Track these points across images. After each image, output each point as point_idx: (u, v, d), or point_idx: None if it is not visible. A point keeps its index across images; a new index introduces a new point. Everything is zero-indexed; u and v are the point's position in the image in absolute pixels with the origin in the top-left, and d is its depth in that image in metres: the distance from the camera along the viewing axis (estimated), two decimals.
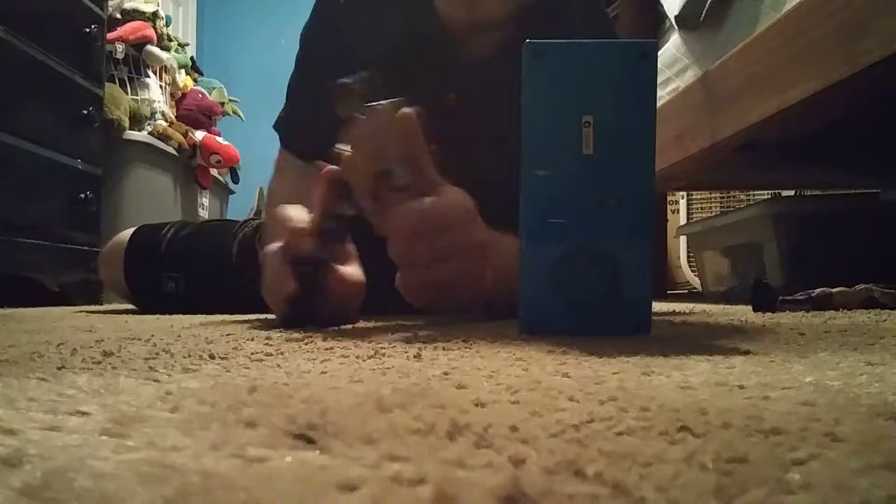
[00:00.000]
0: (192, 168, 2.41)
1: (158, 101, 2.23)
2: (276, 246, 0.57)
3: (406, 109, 0.52)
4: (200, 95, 2.53)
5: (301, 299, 0.55)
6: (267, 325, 0.58)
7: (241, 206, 2.90)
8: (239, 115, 2.77)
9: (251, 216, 1.90)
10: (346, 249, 0.61)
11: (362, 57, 0.77)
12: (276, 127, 0.88)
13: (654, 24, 1.61)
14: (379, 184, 0.53)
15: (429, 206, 0.51)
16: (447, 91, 0.76)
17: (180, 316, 0.87)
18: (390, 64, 0.59)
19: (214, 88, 2.68)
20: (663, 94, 1.39)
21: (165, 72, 2.32)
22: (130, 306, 1.14)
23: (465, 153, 0.55)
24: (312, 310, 0.56)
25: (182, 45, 2.58)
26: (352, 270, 0.59)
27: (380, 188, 0.53)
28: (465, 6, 0.74)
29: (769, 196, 2.09)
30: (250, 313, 0.83)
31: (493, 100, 0.68)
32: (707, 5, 1.24)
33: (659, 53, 1.00)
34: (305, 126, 0.84)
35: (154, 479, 0.14)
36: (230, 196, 2.90)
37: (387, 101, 0.51)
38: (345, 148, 0.54)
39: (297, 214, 0.57)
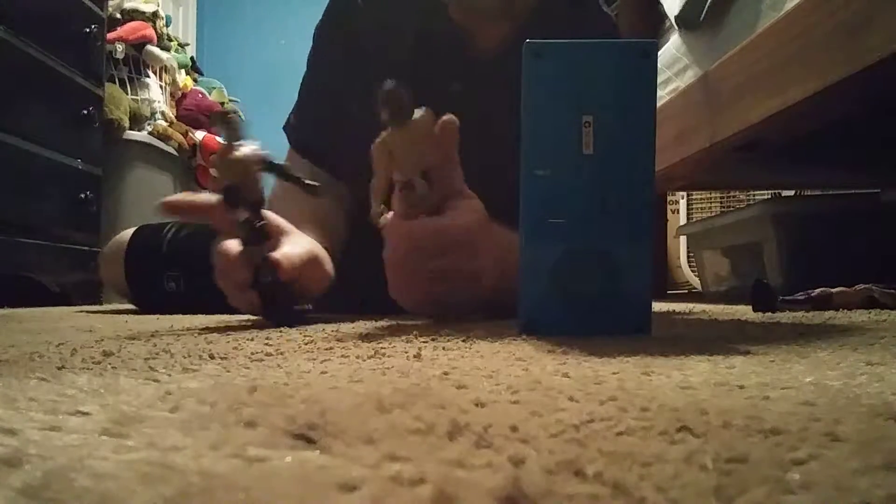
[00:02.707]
0: (192, 168, 2.41)
1: (158, 101, 2.23)
2: (221, 283, 0.58)
3: (449, 117, 0.51)
4: (200, 95, 2.54)
5: (268, 301, 0.57)
6: (267, 325, 0.58)
7: None
8: (239, 115, 2.77)
9: None
10: (279, 232, 0.60)
11: (377, 58, 0.77)
12: (286, 128, 0.88)
13: (654, 24, 1.61)
14: (399, 193, 0.52)
15: (432, 229, 0.51)
16: (454, 83, 0.76)
17: (180, 316, 0.87)
18: (405, 64, 0.59)
19: (214, 88, 2.68)
20: (663, 94, 1.39)
21: (165, 72, 2.33)
22: (130, 306, 1.14)
23: (473, 147, 0.55)
24: (286, 301, 0.59)
25: (182, 45, 2.58)
26: (287, 249, 0.58)
27: (397, 197, 0.52)
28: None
29: (769, 196, 2.10)
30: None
31: (499, 93, 0.68)
32: (707, 5, 1.24)
33: (659, 53, 1.00)
34: (315, 126, 0.83)
35: (154, 479, 0.14)
36: None
37: (422, 110, 0.51)
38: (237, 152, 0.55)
39: (229, 249, 0.57)
